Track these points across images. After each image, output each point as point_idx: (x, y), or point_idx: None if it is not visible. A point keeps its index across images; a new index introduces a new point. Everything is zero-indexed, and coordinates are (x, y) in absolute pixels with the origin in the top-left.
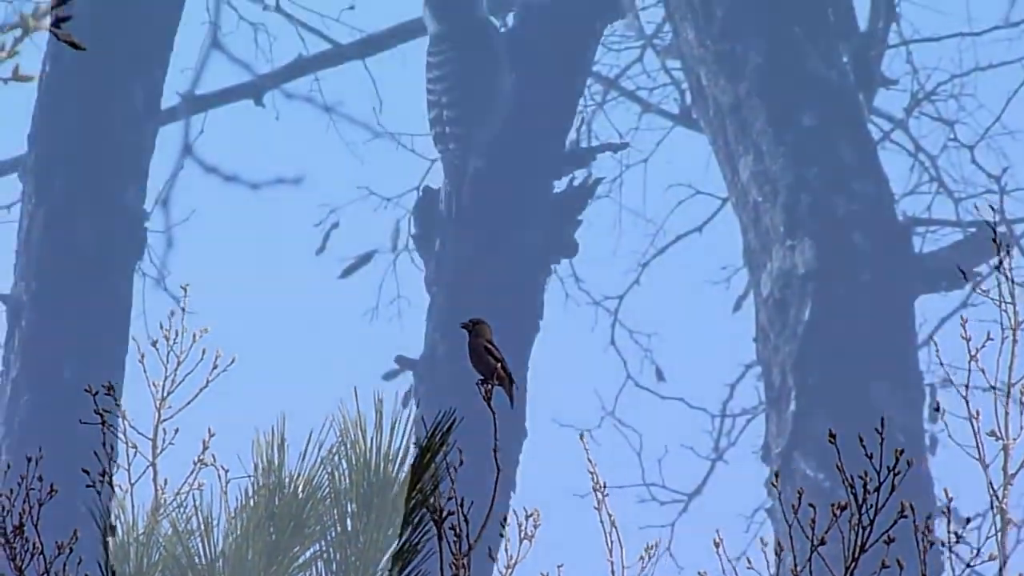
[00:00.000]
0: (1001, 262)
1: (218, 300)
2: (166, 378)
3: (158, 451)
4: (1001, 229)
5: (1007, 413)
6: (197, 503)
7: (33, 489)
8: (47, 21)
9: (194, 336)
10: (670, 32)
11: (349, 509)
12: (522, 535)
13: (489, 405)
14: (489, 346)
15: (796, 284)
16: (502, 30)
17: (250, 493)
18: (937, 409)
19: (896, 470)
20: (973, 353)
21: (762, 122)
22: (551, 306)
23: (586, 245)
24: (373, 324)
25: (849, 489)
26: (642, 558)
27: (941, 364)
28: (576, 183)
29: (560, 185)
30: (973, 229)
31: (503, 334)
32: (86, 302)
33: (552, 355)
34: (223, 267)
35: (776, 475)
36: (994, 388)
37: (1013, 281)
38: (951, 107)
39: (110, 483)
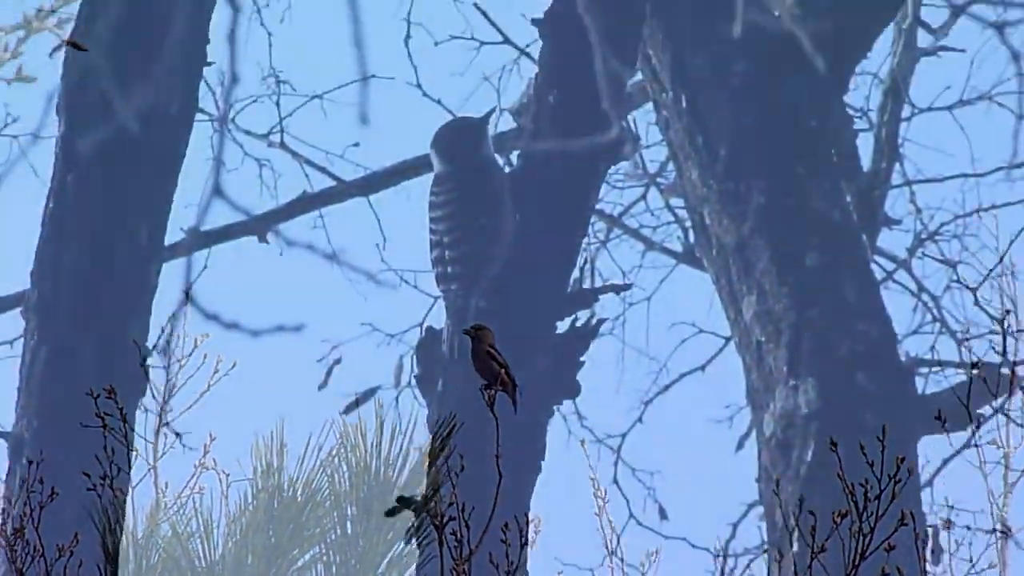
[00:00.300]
0: (1004, 403)
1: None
2: (167, 383)
3: (159, 455)
4: (1004, 370)
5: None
6: (197, 506)
7: (34, 492)
8: (50, 21)
9: (195, 341)
10: (673, 171)
11: (349, 512)
12: (522, 541)
13: (492, 411)
14: (491, 351)
15: (799, 424)
16: (506, 169)
17: (250, 497)
18: (934, 552)
19: (897, 478)
20: None
21: (765, 261)
22: (552, 442)
23: (589, 383)
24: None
25: (850, 496)
26: None
27: (948, 507)
28: (579, 323)
29: (563, 325)
30: (976, 370)
31: (504, 477)
32: (88, 440)
33: (553, 493)
34: (224, 400)
35: None
36: (995, 531)
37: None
38: (954, 247)
39: (111, 486)
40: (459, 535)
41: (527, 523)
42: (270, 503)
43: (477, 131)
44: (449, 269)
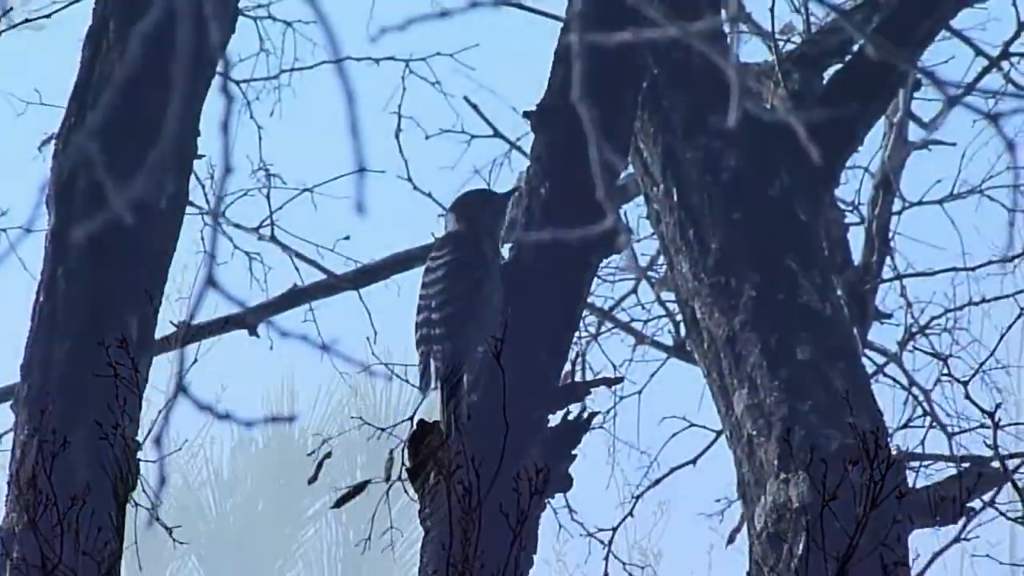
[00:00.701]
0: (994, 498)
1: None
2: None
3: (171, 405)
4: (995, 464)
5: None
6: (208, 456)
7: (46, 441)
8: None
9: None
10: (664, 264)
11: (359, 461)
12: (533, 490)
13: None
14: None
15: (790, 518)
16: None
17: (260, 446)
18: None
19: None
20: None
21: (756, 355)
22: (543, 535)
23: (579, 476)
24: (366, 555)
25: (861, 444)
26: None
27: None
28: (571, 417)
29: (555, 418)
30: (967, 464)
31: (497, 571)
32: (78, 534)
33: None
34: (214, 490)
35: None
36: None
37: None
38: (945, 341)
39: (123, 435)
40: (467, 484)
41: None
42: (281, 452)
43: (498, 204)
44: (433, 331)
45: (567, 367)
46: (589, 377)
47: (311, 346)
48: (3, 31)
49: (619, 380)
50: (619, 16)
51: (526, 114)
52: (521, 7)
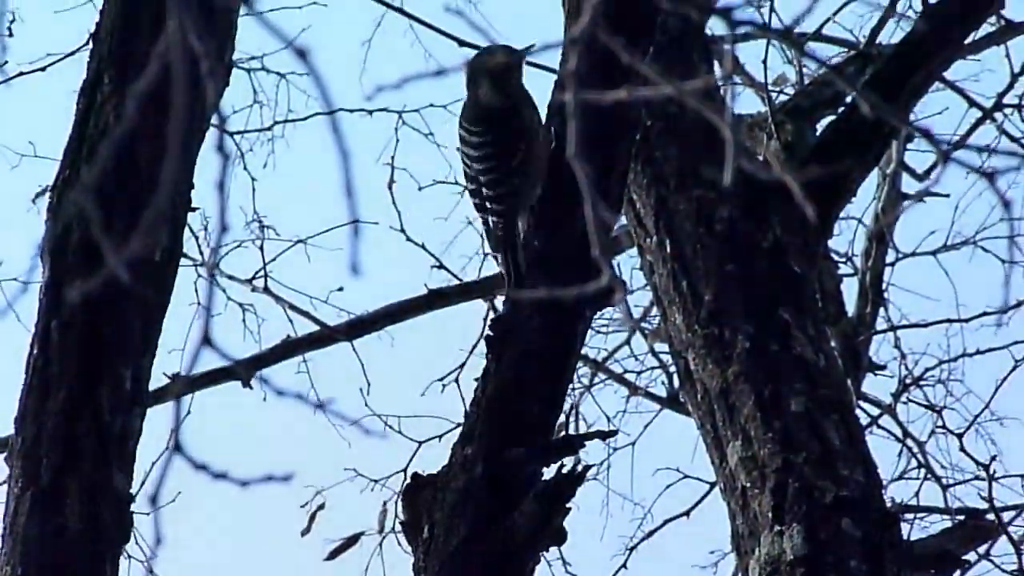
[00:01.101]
0: (989, 550)
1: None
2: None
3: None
4: (990, 517)
5: None
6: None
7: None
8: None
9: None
10: (657, 315)
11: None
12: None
13: None
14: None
15: (784, 570)
16: (491, 315)
17: None
18: None
19: None
20: None
21: (750, 407)
22: None
23: (573, 528)
24: None
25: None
26: None
27: None
28: (565, 470)
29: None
30: (962, 517)
31: None
32: None
33: None
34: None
35: None
36: None
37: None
38: (939, 392)
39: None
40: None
41: None
42: None
43: (519, 66)
44: (488, 205)
45: (561, 419)
46: (583, 429)
47: (306, 404)
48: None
49: (613, 433)
50: (614, 73)
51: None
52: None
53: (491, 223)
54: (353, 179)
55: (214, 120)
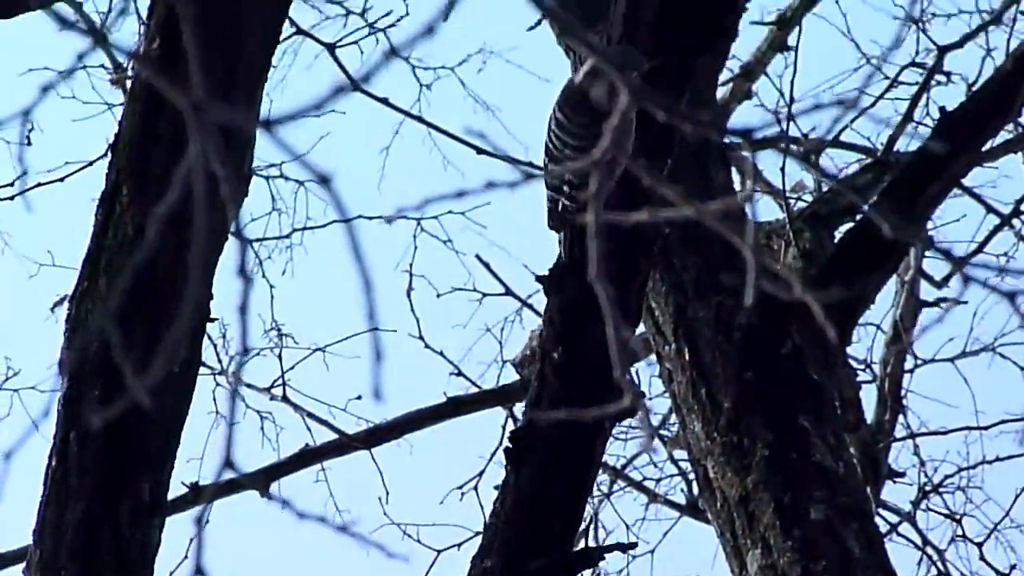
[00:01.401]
0: None
1: None
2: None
3: None
4: None
5: None
6: None
7: None
8: None
9: None
10: (676, 423)
11: None
12: None
13: None
14: None
15: None
16: (510, 423)
17: None
18: None
19: None
20: None
21: (769, 515)
22: None
23: None
24: None
25: None
26: None
27: None
28: None
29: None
30: None
31: None
32: None
33: None
34: None
35: None
36: None
37: None
38: (959, 500)
39: None
40: None
41: None
42: None
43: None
44: (566, 189)
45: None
46: (602, 536)
47: (328, 527)
48: (17, 194)
49: (633, 545)
50: (634, 194)
51: (539, 279)
52: (531, 176)
53: (561, 204)
54: (375, 299)
55: (236, 248)
